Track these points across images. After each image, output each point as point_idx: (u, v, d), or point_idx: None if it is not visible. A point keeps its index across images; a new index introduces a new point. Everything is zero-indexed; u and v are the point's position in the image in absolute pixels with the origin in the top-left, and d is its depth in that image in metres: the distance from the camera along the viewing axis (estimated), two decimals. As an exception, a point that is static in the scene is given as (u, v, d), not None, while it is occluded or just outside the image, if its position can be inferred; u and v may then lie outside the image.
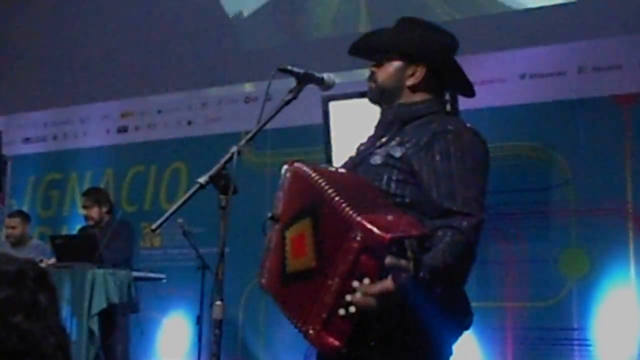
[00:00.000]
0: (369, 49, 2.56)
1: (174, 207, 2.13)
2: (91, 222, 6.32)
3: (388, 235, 2.06)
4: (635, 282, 5.20)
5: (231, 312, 6.32)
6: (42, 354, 1.25)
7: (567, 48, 5.68)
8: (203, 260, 5.72)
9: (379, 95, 2.50)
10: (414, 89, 2.46)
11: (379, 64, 2.50)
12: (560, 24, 5.76)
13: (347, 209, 2.13)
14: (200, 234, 5.99)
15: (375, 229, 2.08)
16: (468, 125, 2.39)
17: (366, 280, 2.12)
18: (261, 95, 2.45)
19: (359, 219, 2.09)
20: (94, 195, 6.39)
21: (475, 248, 2.21)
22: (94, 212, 6.29)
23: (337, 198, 2.16)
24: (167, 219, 2.12)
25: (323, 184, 2.22)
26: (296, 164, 2.37)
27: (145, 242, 7.01)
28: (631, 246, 5.24)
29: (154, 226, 2.11)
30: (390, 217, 2.15)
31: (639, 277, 5.20)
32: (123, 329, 5.87)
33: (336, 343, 2.16)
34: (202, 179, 2.18)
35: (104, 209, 6.33)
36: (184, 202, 2.14)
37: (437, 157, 2.29)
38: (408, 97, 2.46)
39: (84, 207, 6.36)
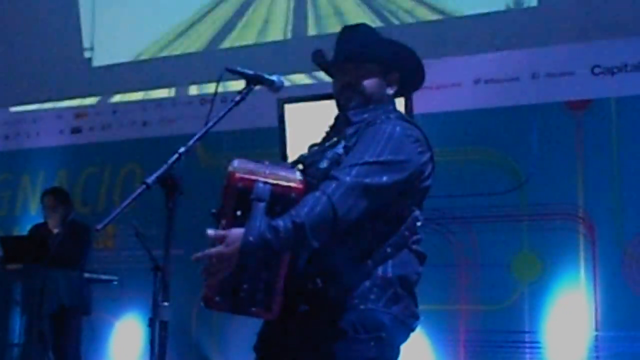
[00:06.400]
0: (342, 59, 2.51)
1: (120, 207, 2.12)
2: (54, 222, 6.14)
3: (235, 173, 2.22)
4: (585, 286, 5.27)
5: (184, 313, 6.29)
6: None
7: (521, 54, 5.74)
8: (156, 262, 5.66)
9: (362, 103, 2.47)
10: (390, 98, 2.50)
11: (356, 73, 2.48)
12: (514, 30, 5.82)
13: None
14: (154, 235, 5.93)
15: (235, 168, 2.23)
16: (399, 119, 2.42)
17: (223, 222, 2.25)
18: (217, 96, 2.44)
19: (234, 164, 2.26)
20: (60, 196, 6.27)
21: (338, 209, 2.20)
22: (58, 212, 6.14)
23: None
24: (112, 219, 2.11)
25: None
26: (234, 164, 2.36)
27: (98, 243, 6.94)
28: (581, 250, 5.31)
29: (98, 226, 2.09)
30: (270, 169, 2.27)
31: (589, 281, 5.27)
32: (74, 331, 5.81)
33: (209, 293, 2.27)
34: (148, 180, 2.17)
35: (67, 210, 6.22)
36: (129, 202, 2.12)
37: (355, 144, 2.34)
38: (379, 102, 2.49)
39: (50, 206, 6.19)
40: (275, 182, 2.24)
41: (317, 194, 2.22)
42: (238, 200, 2.22)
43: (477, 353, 5.52)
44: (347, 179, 2.22)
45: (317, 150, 2.49)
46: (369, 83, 2.48)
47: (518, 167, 5.59)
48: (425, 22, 6.18)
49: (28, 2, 8.13)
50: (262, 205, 2.19)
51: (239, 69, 2.43)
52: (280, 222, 2.17)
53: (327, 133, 2.55)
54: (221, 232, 2.21)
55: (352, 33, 2.55)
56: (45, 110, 7.81)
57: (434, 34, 6.01)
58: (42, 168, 7.59)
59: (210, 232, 2.22)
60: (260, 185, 2.21)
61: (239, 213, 2.22)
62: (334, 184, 2.22)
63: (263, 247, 2.17)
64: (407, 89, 2.61)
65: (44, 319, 5.37)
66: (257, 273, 2.23)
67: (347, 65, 2.50)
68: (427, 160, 2.40)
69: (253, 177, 2.23)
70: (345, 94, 2.50)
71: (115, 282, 6.20)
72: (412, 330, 2.41)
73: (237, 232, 2.19)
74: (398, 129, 2.35)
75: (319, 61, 2.59)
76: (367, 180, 2.24)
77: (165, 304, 2.19)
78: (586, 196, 5.36)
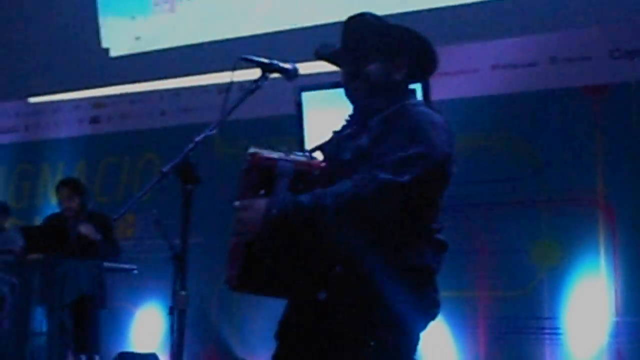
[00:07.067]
0: (345, 48, 2.51)
1: (136, 197, 2.13)
2: (70, 213, 6.16)
3: (257, 154, 2.25)
4: (605, 272, 5.25)
5: (204, 301, 6.31)
6: None
7: (539, 39, 5.70)
8: (175, 251, 5.68)
9: (369, 89, 2.45)
10: (400, 83, 2.48)
11: (364, 63, 2.45)
12: (532, 15, 5.77)
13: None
14: (173, 224, 5.94)
15: (256, 151, 2.27)
16: (422, 108, 2.40)
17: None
18: (235, 85, 2.45)
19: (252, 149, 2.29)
20: (76, 186, 6.28)
21: (369, 201, 2.20)
22: (75, 202, 6.15)
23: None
24: (129, 208, 2.13)
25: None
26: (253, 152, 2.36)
27: (118, 233, 6.97)
28: (601, 236, 5.29)
29: (115, 215, 2.11)
30: (289, 153, 2.30)
31: (608, 267, 5.25)
32: (95, 320, 5.84)
33: (233, 272, 2.27)
34: (164, 169, 2.18)
35: (84, 201, 6.24)
36: (146, 192, 2.14)
37: (385, 137, 2.32)
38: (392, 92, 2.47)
39: (67, 197, 6.17)
40: (297, 159, 2.28)
41: (350, 183, 2.21)
42: (261, 179, 2.25)
43: (496, 339, 5.52)
44: (382, 175, 2.20)
45: (336, 140, 2.48)
46: (373, 68, 2.45)
47: (537, 152, 5.56)
48: (442, 8, 6.13)
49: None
50: (285, 181, 2.23)
51: (254, 57, 2.43)
52: (304, 199, 2.20)
53: (347, 122, 2.53)
54: (246, 200, 2.25)
55: (356, 21, 2.53)
56: (64, 100, 7.84)
57: (451, 19, 5.97)
58: (61, 158, 7.63)
59: (237, 202, 2.27)
60: (283, 162, 2.25)
61: (262, 192, 2.25)
62: (367, 179, 2.21)
63: (284, 220, 2.20)
64: (420, 73, 2.59)
65: (64, 308, 5.41)
66: (279, 252, 2.24)
67: (351, 54, 2.49)
68: (451, 147, 2.38)
69: (275, 156, 2.26)
70: (352, 83, 2.48)
71: (135, 271, 6.23)
72: (433, 318, 2.40)
73: (262, 201, 2.24)
74: (425, 118, 2.34)
75: (324, 53, 2.57)
76: (400, 178, 2.20)
77: (183, 292, 2.20)
78: (606, 181, 5.33)
